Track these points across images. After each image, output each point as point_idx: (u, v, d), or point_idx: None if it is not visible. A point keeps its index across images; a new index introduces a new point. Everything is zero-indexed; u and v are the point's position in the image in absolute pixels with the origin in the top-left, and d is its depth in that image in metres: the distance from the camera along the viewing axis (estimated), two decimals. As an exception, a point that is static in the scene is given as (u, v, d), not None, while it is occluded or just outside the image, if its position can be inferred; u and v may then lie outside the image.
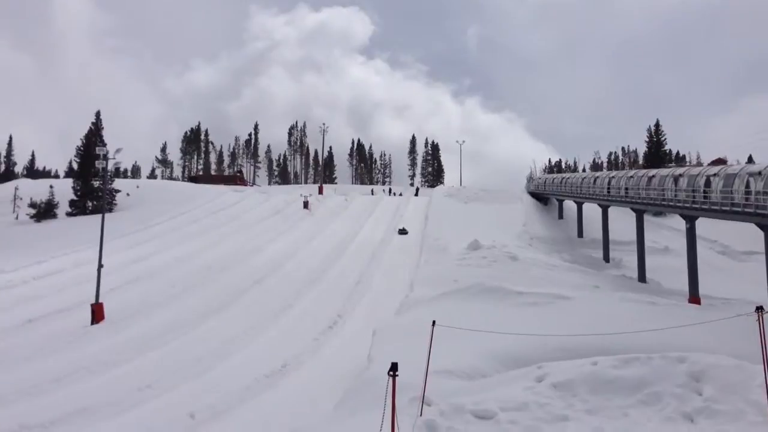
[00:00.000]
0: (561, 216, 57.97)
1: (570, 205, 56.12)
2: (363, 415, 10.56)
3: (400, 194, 77.56)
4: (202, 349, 22.45)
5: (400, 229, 50.97)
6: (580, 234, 51.29)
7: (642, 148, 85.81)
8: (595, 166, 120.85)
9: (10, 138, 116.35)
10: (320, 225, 52.40)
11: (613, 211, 46.74)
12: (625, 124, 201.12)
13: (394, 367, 5.71)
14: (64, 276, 34.86)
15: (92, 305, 26.96)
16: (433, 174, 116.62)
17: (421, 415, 9.36)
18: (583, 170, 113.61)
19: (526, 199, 64.30)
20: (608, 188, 44.83)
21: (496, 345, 14.55)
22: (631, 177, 41.49)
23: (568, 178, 58.13)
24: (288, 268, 37.20)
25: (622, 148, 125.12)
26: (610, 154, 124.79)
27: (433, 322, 8.95)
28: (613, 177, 45.38)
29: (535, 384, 10.19)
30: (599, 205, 47.03)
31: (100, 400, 17.23)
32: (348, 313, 28.82)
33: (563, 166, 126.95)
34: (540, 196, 64.50)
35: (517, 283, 25.58)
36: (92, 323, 26.34)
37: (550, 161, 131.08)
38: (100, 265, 28.53)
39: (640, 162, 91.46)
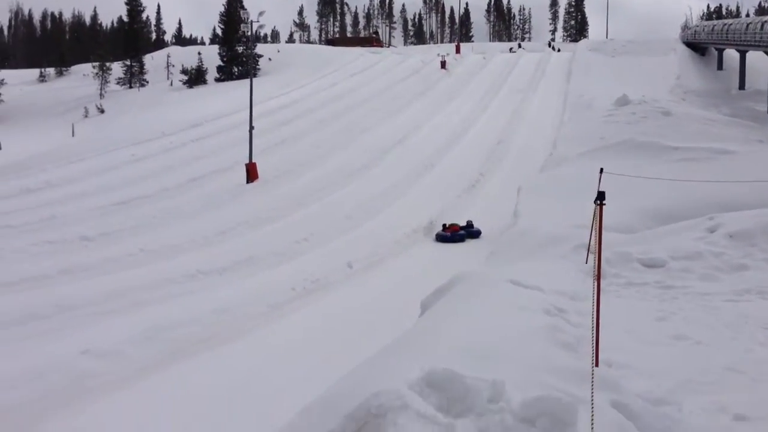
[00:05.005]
0: (720, 67, 53.13)
1: (731, 55, 51.10)
2: (518, 264, 10.59)
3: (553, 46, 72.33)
4: (350, 207, 23.29)
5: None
6: (742, 86, 46.92)
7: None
8: (761, 11, 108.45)
9: (159, 7, 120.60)
10: (459, 84, 51.31)
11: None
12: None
13: (601, 196, 5.51)
14: (219, 138, 36.73)
15: (246, 165, 28.37)
16: (576, 28, 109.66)
17: (586, 262, 9.25)
18: (747, 16, 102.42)
19: (681, 49, 59.17)
20: (780, 33, 40.23)
21: (649, 202, 13.75)
22: (810, 19, 36.90)
23: (730, 24, 52.49)
24: (428, 128, 37.10)
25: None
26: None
27: (601, 170, 8.56)
28: (786, 20, 40.62)
29: (707, 234, 9.66)
30: (766, 53, 42.50)
31: (264, 250, 18.47)
32: (490, 171, 28.64)
33: (723, 13, 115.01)
34: (696, 45, 59.03)
35: (671, 138, 23.98)
36: (247, 182, 27.88)
37: (708, 7, 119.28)
38: (252, 127, 29.75)
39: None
